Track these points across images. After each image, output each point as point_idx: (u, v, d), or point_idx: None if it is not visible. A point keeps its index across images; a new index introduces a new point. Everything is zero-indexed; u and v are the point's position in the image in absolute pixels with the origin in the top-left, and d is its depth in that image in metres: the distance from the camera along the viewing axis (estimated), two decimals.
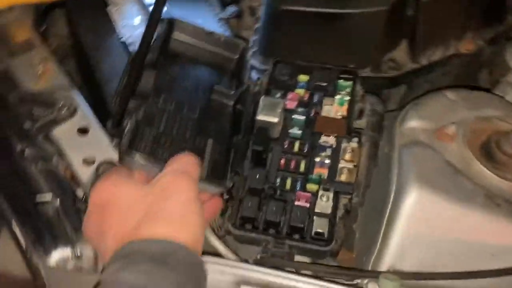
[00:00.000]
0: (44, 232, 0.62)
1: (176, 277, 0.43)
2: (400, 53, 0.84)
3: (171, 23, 0.69)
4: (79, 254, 0.60)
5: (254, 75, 0.79)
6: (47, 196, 0.63)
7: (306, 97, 0.73)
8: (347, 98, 0.72)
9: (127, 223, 0.48)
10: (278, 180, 0.66)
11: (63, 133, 0.70)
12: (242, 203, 0.63)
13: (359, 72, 0.76)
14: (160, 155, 0.57)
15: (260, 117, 0.67)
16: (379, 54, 0.82)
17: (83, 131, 0.70)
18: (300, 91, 0.73)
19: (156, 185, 0.50)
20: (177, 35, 0.69)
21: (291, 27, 0.79)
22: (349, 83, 0.72)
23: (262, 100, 0.69)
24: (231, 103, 0.70)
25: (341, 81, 0.73)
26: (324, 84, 0.73)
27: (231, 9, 0.88)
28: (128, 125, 0.55)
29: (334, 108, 0.72)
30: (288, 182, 0.66)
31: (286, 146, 0.69)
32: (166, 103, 0.62)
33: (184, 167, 0.52)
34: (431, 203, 0.61)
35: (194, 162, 0.55)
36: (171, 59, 0.67)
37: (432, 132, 0.66)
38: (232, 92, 0.69)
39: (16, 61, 0.73)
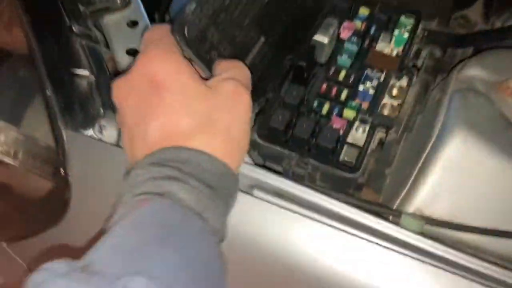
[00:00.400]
0: (75, 103, 0.61)
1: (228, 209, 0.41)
2: (474, 11, 0.77)
3: None
4: (101, 130, 0.59)
5: None
6: (85, 71, 0.63)
7: (362, 29, 0.69)
8: (406, 35, 0.67)
9: (180, 120, 0.41)
10: (316, 103, 0.63)
11: (113, 22, 0.70)
12: (273, 115, 0.60)
13: (427, 25, 0.71)
14: (210, 36, 0.52)
15: (316, 36, 0.64)
16: (451, 7, 0.76)
17: (133, 23, 0.69)
18: (358, 23, 0.69)
19: (219, 90, 0.43)
20: None
21: None
22: (411, 20, 0.67)
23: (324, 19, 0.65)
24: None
25: (403, 17, 0.68)
26: (385, 18, 0.68)
27: None
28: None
29: (391, 46, 0.67)
30: (326, 107, 0.63)
31: (331, 73, 0.65)
32: None
33: (246, 81, 0.46)
34: (476, 151, 0.55)
35: (250, 77, 0.49)
36: None
37: (492, 84, 0.61)
38: None
39: None
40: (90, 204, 0.62)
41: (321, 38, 0.64)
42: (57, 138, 0.60)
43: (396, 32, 0.67)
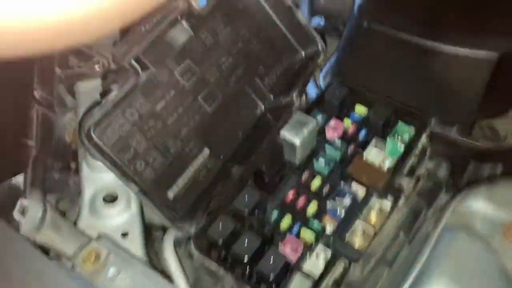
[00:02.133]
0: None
1: None
2: (505, 122, 0.64)
3: None
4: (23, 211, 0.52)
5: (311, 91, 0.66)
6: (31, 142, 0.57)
7: (351, 131, 0.58)
8: (402, 146, 0.55)
9: None
10: (275, 214, 0.52)
11: (87, 90, 0.65)
12: (214, 222, 0.50)
13: (444, 131, 0.59)
14: (135, 144, 0.46)
15: (283, 132, 0.54)
16: (476, 114, 0.64)
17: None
18: (348, 122, 0.59)
19: None
20: None
21: (373, 50, 0.65)
22: (411, 128, 0.56)
23: (295, 114, 0.56)
24: (262, 107, 0.57)
25: (401, 123, 0.56)
26: (380, 121, 0.57)
27: (317, 20, 0.77)
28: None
29: (381, 156, 0.56)
30: (286, 221, 0.52)
31: (303, 179, 0.54)
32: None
33: None
34: None
35: None
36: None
37: (495, 224, 0.47)
38: (271, 96, 0.57)
39: None
40: None
41: (291, 137, 0.54)
42: None
43: (390, 140, 0.55)
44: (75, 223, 0.58)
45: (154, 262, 0.55)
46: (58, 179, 0.58)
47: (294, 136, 0.54)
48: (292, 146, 0.54)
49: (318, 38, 0.59)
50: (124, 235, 0.58)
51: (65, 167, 0.60)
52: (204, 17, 0.51)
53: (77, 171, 0.60)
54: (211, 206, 0.50)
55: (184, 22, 0.50)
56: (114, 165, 0.44)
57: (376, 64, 0.65)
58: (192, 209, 0.48)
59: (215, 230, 0.49)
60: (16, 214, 0.52)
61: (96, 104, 0.43)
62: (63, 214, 0.57)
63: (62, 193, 0.58)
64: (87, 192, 0.58)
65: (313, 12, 0.79)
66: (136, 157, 0.46)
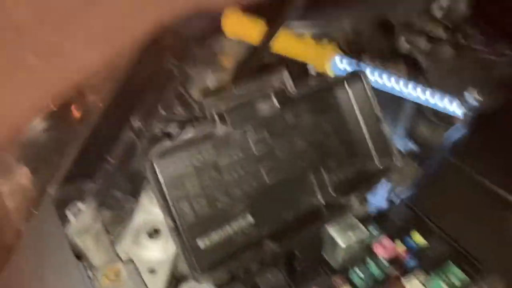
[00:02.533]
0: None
1: None
2: None
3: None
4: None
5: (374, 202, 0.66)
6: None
7: (401, 256, 0.56)
8: None
9: None
10: None
11: None
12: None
13: None
14: (189, 185, 0.50)
15: (330, 229, 0.54)
16: None
17: None
18: (400, 245, 0.57)
19: None
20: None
21: (450, 185, 0.63)
22: (462, 274, 0.52)
23: (349, 217, 0.56)
24: (320, 200, 0.58)
25: (453, 266, 0.53)
26: (433, 257, 0.55)
27: (407, 143, 0.77)
28: None
29: None
30: None
31: (334, 283, 0.53)
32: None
33: None
34: None
35: None
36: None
37: None
38: (332, 192, 0.57)
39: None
40: None
41: (337, 238, 0.53)
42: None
43: (435, 278, 0.52)
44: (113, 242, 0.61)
45: None
46: (118, 199, 0.62)
47: (341, 237, 0.54)
48: (335, 246, 0.54)
49: (397, 154, 0.59)
50: (152, 272, 0.60)
51: (128, 192, 0.64)
52: (294, 99, 0.55)
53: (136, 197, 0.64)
54: (234, 270, 0.51)
55: (274, 98, 0.54)
56: (162, 197, 0.47)
57: (449, 200, 0.63)
58: (215, 266, 0.48)
59: None
60: (69, 213, 0.56)
61: (170, 138, 0.47)
62: (107, 230, 0.61)
63: (115, 212, 0.62)
64: (137, 219, 0.62)
65: (407, 135, 0.79)
66: (185, 197, 0.49)
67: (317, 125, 0.58)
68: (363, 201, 0.61)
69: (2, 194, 0.64)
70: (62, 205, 0.58)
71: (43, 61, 0.76)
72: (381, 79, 0.77)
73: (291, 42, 0.80)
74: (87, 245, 0.57)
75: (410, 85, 0.77)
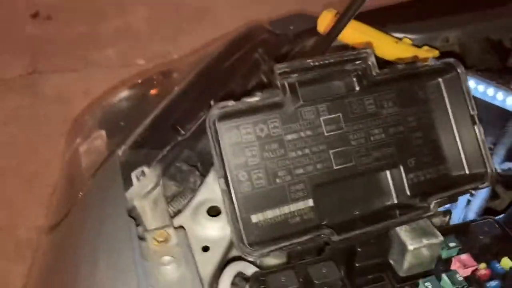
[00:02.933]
0: None
1: None
2: None
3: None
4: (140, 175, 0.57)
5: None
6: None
7: (482, 275, 0.48)
8: None
9: None
10: None
11: None
12: (280, 271, 0.46)
13: None
14: (249, 153, 0.47)
15: (399, 230, 0.48)
16: None
17: None
18: (483, 267, 0.49)
19: None
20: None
21: None
22: None
23: (423, 220, 0.49)
24: (394, 199, 0.52)
25: None
26: None
27: (509, 165, 0.68)
28: None
29: None
30: None
31: None
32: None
33: None
34: None
35: None
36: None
37: None
38: (409, 193, 0.51)
39: None
40: None
41: (406, 239, 0.47)
42: None
43: None
44: (173, 216, 0.60)
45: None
46: (183, 171, 0.61)
47: (410, 239, 0.47)
48: (402, 249, 0.47)
49: (490, 163, 0.51)
50: (205, 249, 0.57)
51: (195, 166, 0.63)
52: (377, 83, 0.50)
53: (203, 175, 0.63)
54: (287, 253, 0.46)
55: (354, 78, 0.50)
56: (220, 160, 0.44)
57: None
58: (265, 243, 0.44)
59: (275, 279, 0.45)
60: (133, 175, 0.56)
61: (234, 99, 0.45)
62: (167, 199, 0.60)
63: (178, 183, 0.61)
64: (199, 195, 0.60)
65: (508, 155, 0.70)
66: (243, 166, 0.46)
67: (401, 117, 0.52)
68: (447, 213, 0.54)
69: (80, 153, 0.67)
70: (128, 167, 0.58)
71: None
72: (488, 91, 0.69)
73: (387, 43, 0.75)
74: (145, 209, 0.56)
75: None
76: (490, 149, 0.72)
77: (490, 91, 0.68)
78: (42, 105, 1.90)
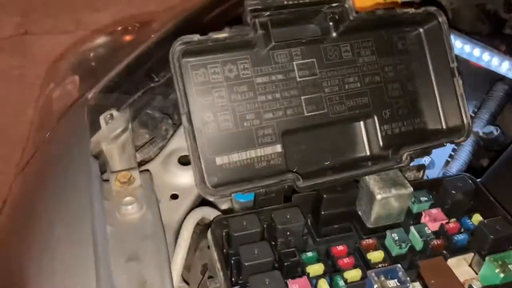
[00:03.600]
0: None
1: None
2: None
3: None
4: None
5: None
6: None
7: (450, 228, 0.47)
8: (501, 276, 0.42)
9: None
10: (310, 254, 0.45)
11: None
12: (242, 215, 0.44)
13: None
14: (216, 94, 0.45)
15: (368, 179, 0.47)
16: None
17: None
18: (453, 221, 0.48)
19: None
20: None
21: None
22: None
23: (393, 171, 0.48)
24: (367, 151, 0.50)
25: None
26: (491, 237, 0.45)
27: (490, 129, 0.66)
28: None
29: (471, 275, 0.44)
30: (315, 268, 0.44)
31: (363, 243, 0.46)
32: None
33: None
34: None
35: None
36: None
37: None
38: (381, 144, 0.50)
39: None
40: None
41: (374, 189, 0.46)
42: None
43: (489, 263, 0.43)
44: (143, 163, 0.58)
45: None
46: (154, 118, 0.59)
47: (379, 189, 0.46)
48: (371, 198, 0.46)
49: (467, 117, 0.50)
50: (173, 197, 0.56)
51: (168, 115, 0.61)
52: (354, 28, 0.48)
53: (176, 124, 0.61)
54: (254, 201, 0.45)
55: (330, 22, 0.48)
56: (184, 97, 0.43)
57: None
58: (228, 187, 0.43)
59: (237, 222, 0.44)
60: (101, 118, 0.55)
61: (201, 35, 0.42)
62: (136, 147, 0.58)
63: (150, 131, 0.59)
64: (172, 143, 0.59)
65: (490, 117, 0.69)
66: (210, 107, 0.44)
67: (378, 66, 0.50)
68: (420, 167, 0.53)
69: (52, 99, 0.65)
70: (98, 111, 0.56)
71: None
72: (474, 52, 0.67)
73: None
74: (112, 153, 0.54)
75: (507, 62, 0.66)
76: (474, 112, 0.71)
77: (477, 51, 0.66)
78: (32, 66, 1.87)
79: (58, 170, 0.50)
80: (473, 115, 0.70)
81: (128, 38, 0.69)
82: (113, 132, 0.55)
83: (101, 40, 0.68)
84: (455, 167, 0.65)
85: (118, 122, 0.55)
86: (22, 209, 0.53)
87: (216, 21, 0.76)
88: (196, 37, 0.43)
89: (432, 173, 0.64)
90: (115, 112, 0.55)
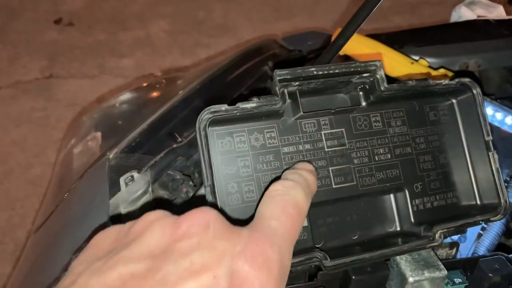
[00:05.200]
0: None
1: None
2: None
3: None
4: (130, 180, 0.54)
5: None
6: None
7: None
8: None
9: None
10: None
11: None
12: None
13: None
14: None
15: (399, 259, 0.44)
16: None
17: None
18: None
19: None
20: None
21: None
22: None
23: (426, 251, 0.45)
24: (397, 227, 0.48)
25: None
26: None
27: None
28: None
29: None
30: None
31: None
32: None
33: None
34: None
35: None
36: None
37: None
38: (413, 220, 0.47)
39: None
40: None
41: (406, 270, 0.43)
42: None
43: None
44: None
45: None
46: (176, 179, 0.58)
47: (411, 271, 0.43)
48: (402, 281, 0.43)
49: (504, 194, 0.47)
50: None
51: (189, 176, 0.60)
52: (385, 99, 0.47)
53: (196, 185, 0.59)
54: None
55: (360, 92, 0.47)
56: (210, 169, 0.41)
57: None
58: None
59: None
60: (122, 180, 0.53)
61: (228, 104, 0.41)
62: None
63: (170, 193, 0.57)
64: None
65: None
66: (234, 177, 0.43)
67: (409, 138, 0.49)
68: (454, 245, 0.50)
69: (73, 154, 0.64)
70: (118, 172, 0.55)
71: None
72: (506, 120, 0.65)
73: (401, 63, 0.72)
74: (131, 217, 0.53)
75: None
76: (507, 181, 0.68)
77: (509, 119, 0.64)
78: (54, 109, 1.91)
79: (76, 234, 0.48)
80: (505, 184, 0.67)
81: (153, 94, 0.69)
82: (133, 194, 0.53)
83: (125, 96, 0.68)
84: (487, 240, 0.62)
85: (139, 184, 0.54)
86: (37, 269, 0.51)
87: (240, 78, 0.76)
88: (224, 106, 0.42)
89: (463, 247, 0.61)
90: (135, 174, 0.54)
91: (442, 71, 0.71)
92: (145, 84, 0.71)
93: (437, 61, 0.79)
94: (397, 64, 0.70)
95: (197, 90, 0.68)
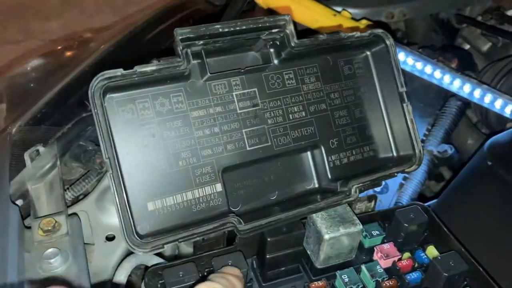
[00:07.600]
0: None
1: None
2: None
3: None
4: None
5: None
6: None
7: (404, 266, 0.44)
8: None
9: None
10: None
11: None
12: (179, 265, 0.40)
13: None
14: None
15: (315, 217, 0.44)
16: None
17: None
18: (406, 256, 0.45)
19: None
20: None
21: (484, 192, 0.51)
22: None
23: (341, 207, 0.45)
24: (315, 183, 0.47)
25: None
26: (445, 274, 0.42)
27: (445, 147, 0.65)
28: None
29: None
30: None
31: (312, 286, 0.42)
32: None
33: None
34: None
35: None
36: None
37: None
38: (330, 176, 0.46)
39: None
40: None
41: (322, 228, 0.43)
42: None
43: None
44: (76, 200, 0.53)
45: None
46: (88, 150, 0.55)
47: (327, 228, 0.43)
48: (318, 238, 0.43)
49: (418, 145, 0.47)
50: (109, 238, 0.52)
51: None
52: (296, 55, 0.45)
53: None
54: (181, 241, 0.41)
55: (271, 49, 0.45)
56: (109, 140, 0.38)
57: (481, 213, 0.50)
58: (160, 237, 0.39)
59: (172, 273, 0.40)
60: (26, 155, 0.50)
61: (126, 69, 0.38)
62: (68, 182, 0.53)
63: (83, 165, 0.54)
64: (106, 180, 0.54)
65: (445, 136, 0.67)
66: (139, 147, 0.40)
67: (323, 93, 0.47)
68: (372, 198, 0.50)
69: None
70: (23, 146, 0.51)
71: None
72: (426, 69, 0.66)
73: (323, 15, 0.70)
74: (38, 193, 0.49)
75: (459, 80, 0.65)
76: (428, 130, 0.69)
77: (428, 68, 0.65)
78: None
79: None
80: (427, 133, 0.68)
81: (64, 58, 0.64)
82: (40, 170, 0.50)
83: (32, 63, 0.62)
84: (410, 189, 0.63)
85: (45, 158, 0.50)
86: None
87: (159, 38, 0.72)
88: (119, 71, 0.38)
89: (386, 198, 0.62)
90: (41, 148, 0.50)
91: (364, 22, 0.70)
92: (52, 50, 0.66)
93: (361, 12, 0.78)
94: (319, 16, 0.68)
95: (110, 52, 0.63)
